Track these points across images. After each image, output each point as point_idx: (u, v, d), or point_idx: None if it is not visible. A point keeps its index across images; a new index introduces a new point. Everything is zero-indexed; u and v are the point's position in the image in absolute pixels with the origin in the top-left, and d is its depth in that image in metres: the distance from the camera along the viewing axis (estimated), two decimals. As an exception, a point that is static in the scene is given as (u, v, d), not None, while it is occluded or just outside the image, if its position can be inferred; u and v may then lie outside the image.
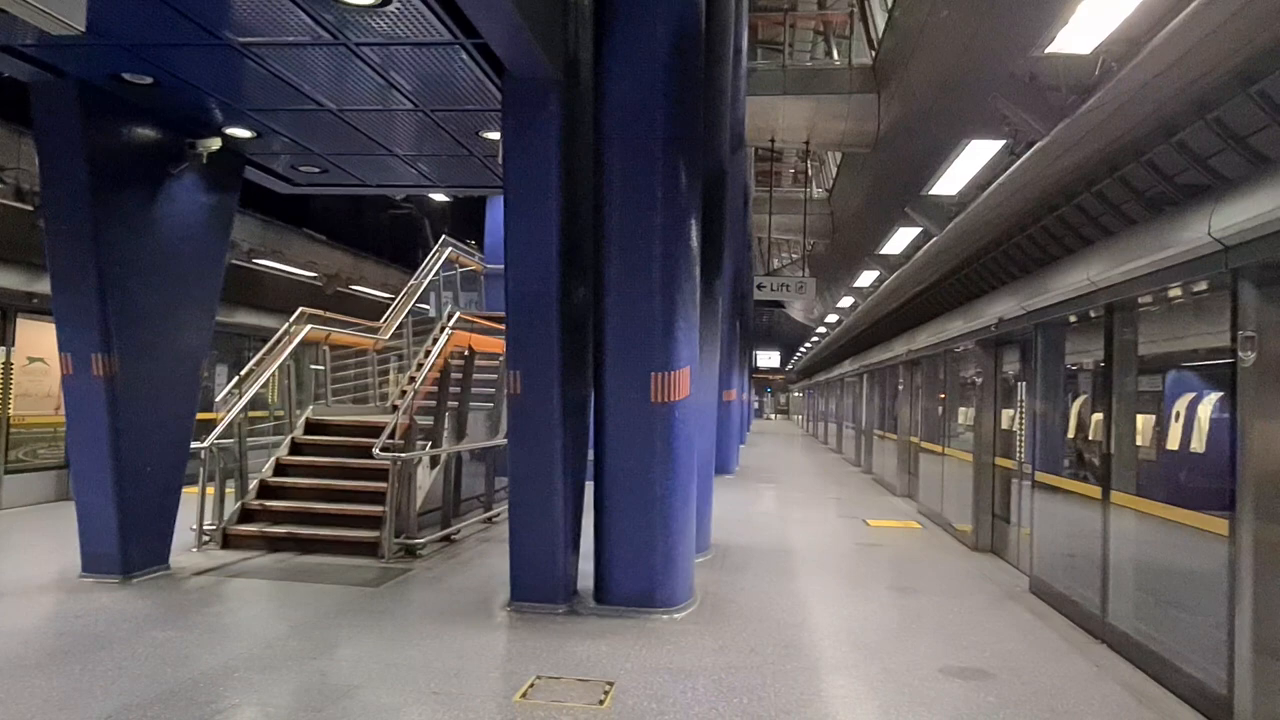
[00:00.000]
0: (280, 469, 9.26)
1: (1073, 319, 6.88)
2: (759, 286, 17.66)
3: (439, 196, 19.46)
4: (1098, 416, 6.41)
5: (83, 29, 3.82)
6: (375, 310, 16.09)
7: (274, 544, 8.33)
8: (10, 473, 10.73)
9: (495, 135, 7.40)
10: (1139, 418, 5.98)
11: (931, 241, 10.38)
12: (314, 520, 8.52)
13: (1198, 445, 5.27)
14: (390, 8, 5.12)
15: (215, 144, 7.36)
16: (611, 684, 4.79)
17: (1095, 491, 6.03)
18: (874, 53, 13.27)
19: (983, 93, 6.16)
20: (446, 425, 9.69)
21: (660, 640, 5.67)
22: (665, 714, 4.40)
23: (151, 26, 5.48)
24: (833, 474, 19.37)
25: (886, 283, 14.47)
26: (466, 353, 10.44)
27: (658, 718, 4.35)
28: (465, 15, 5.12)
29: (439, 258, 14.93)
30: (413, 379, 10.83)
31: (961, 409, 10.91)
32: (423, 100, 6.81)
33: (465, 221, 23.11)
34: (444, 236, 15.96)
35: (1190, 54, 4.10)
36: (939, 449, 11.43)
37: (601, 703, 4.52)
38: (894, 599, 7.15)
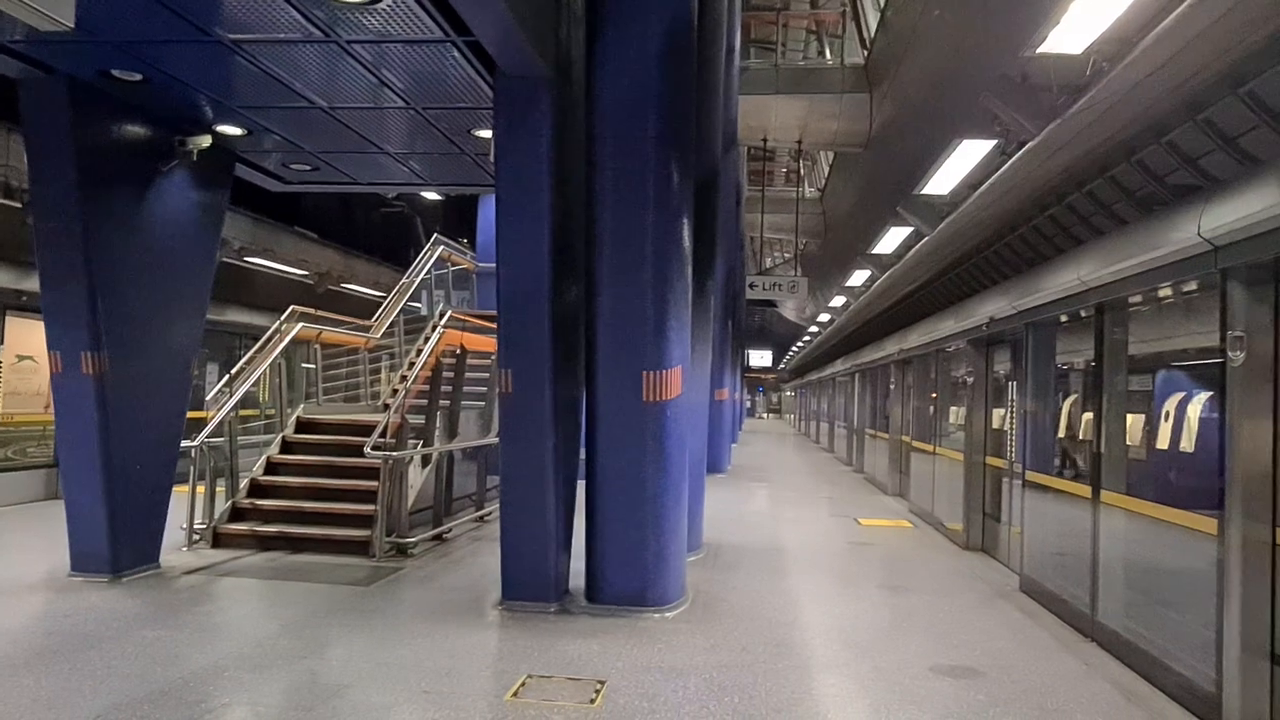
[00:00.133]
0: (271, 468, 9.23)
1: (1063, 319, 6.91)
2: (751, 285, 17.68)
3: (431, 195, 19.41)
4: (1088, 416, 6.43)
5: (71, 25, 3.79)
6: (367, 309, 16.03)
7: (265, 543, 8.31)
8: (-1, 471, 10.68)
9: (487, 133, 7.38)
10: (1129, 417, 6.01)
11: (923, 241, 10.39)
12: (305, 519, 8.50)
13: (1187, 445, 5.29)
14: (381, 5, 5.10)
15: (206, 141, 7.32)
16: (603, 683, 4.79)
17: (1085, 491, 6.06)
18: (866, 52, 13.28)
19: (974, 92, 6.17)
20: (438, 424, 9.66)
21: (652, 639, 5.67)
22: (656, 713, 4.40)
23: (141, 23, 5.45)
24: (824, 473, 19.41)
25: (878, 282, 14.49)
26: (458, 351, 10.42)
27: (649, 716, 4.35)
28: (457, 13, 5.10)
29: (431, 256, 14.91)
30: (404, 377, 10.82)
31: (953, 408, 10.94)
32: (414, 98, 6.79)
33: (457, 220, 23.09)
34: (436, 235, 15.92)
35: (1181, 55, 4.11)
36: (930, 448, 11.47)
37: (593, 701, 4.52)
38: (885, 598, 7.17)
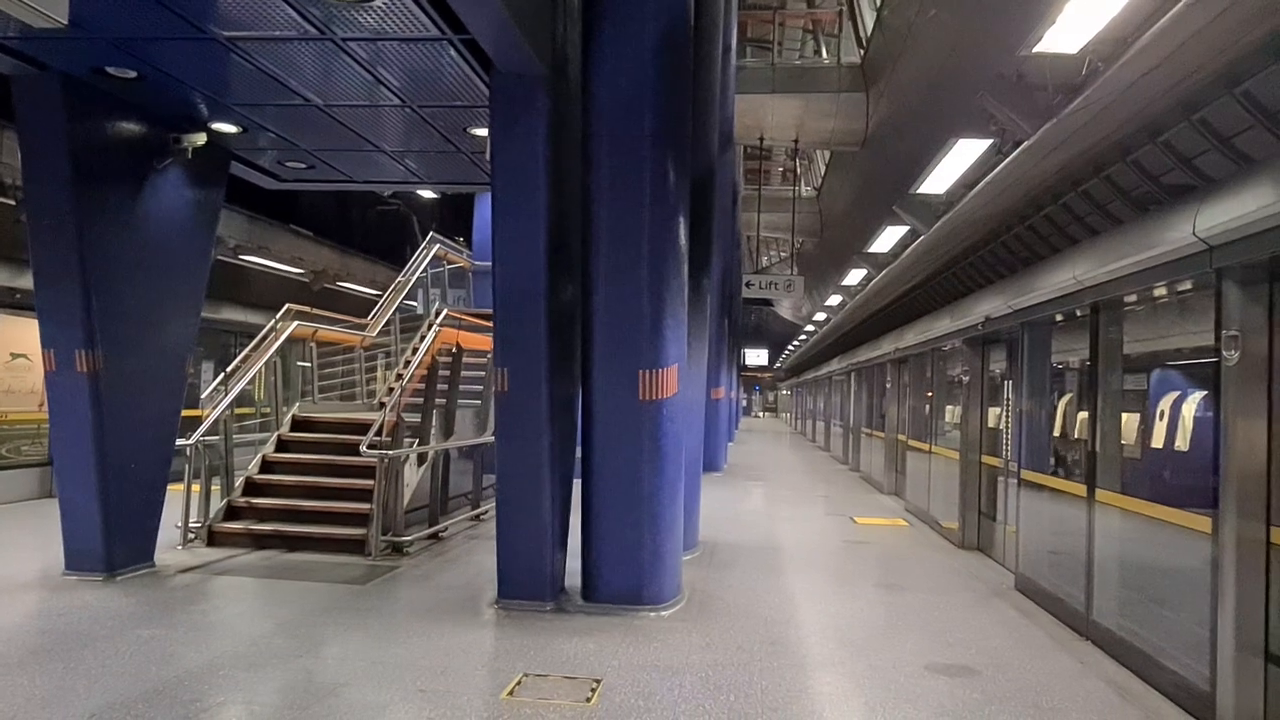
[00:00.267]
0: (266, 466, 9.21)
1: (1059, 318, 6.92)
2: (747, 284, 17.68)
3: (427, 193, 19.39)
4: (1083, 415, 6.44)
5: (65, 22, 3.78)
6: (362, 307, 16.03)
7: (260, 541, 8.29)
8: (-7, 469, 10.65)
9: (483, 132, 7.36)
10: (1124, 416, 6.02)
11: (919, 240, 10.41)
12: (300, 518, 8.48)
13: (1182, 444, 5.31)
14: (377, 3, 5.08)
15: (200, 139, 7.30)
16: (599, 681, 4.79)
17: (1080, 489, 6.07)
18: (863, 51, 13.30)
19: (970, 92, 6.17)
20: (434, 423, 9.66)
21: (648, 638, 5.67)
22: (652, 711, 4.40)
23: (136, 20, 5.43)
24: (820, 472, 19.43)
25: (874, 281, 14.51)
26: (454, 350, 10.41)
27: (645, 715, 4.35)
28: (453, 11, 5.09)
29: (427, 254, 14.89)
30: (400, 376, 10.80)
31: (948, 407, 10.96)
32: (410, 96, 6.77)
33: (453, 218, 23.08)
34: (432, 233, 15.91)
35: (1176, 54, 4.12)
36: (926, 447, 11.48)
37: (589, 700, 4.52)
38: (881, 596, 7.18)
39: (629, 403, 6.21)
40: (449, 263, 15.98)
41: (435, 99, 6.84)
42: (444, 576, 7.38)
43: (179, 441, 7.82)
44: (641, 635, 5.72)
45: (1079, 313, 6.31)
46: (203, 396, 10.85)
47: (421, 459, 9.22)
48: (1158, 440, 5.64)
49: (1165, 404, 5.60)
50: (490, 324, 6.48)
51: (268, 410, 10.10)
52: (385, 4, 5.10)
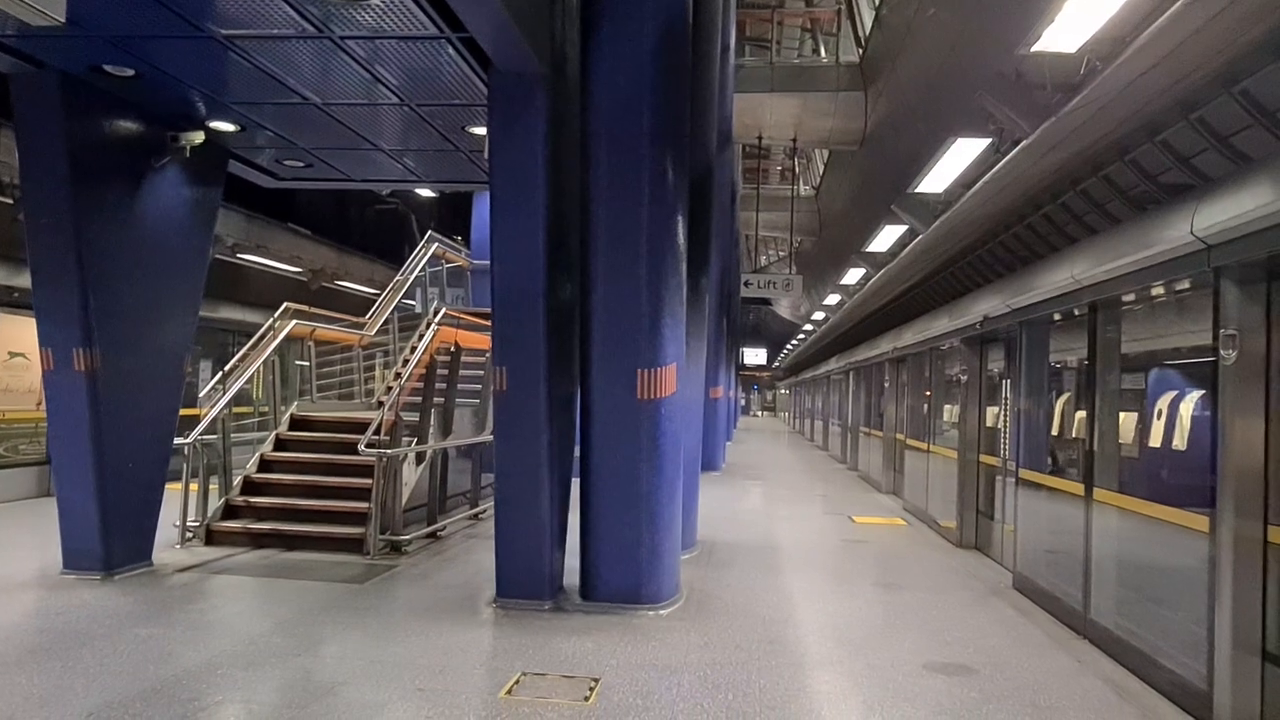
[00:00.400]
0: (264, 465, 9.20)
1: (1057, 317, 6.92)
2: (746, 283, 17.67)
3: (425, 192, 19.38)
4: (1081, 414, 6.45)
5: (63, 20, 3.78)
6: (361, 306, 16.01)
7: (258, 540, 8.28)
8: (-9, 468, 10.64)
9: (481, 130, 7.35)
10: (1122, 415, 6.02)
11: (917, 239, 10.41)
12: (299, 517, 8.48)
13: (1179, 443, 5.31)
14: (375, 1, 5.08)
15: (198, 137, 7.29)
16: (597, 680, 4.79)
17: (1078, 488, 6.07)
18: (861, 50, 13.29)
19: (969, 91, 6.18)
20: (432, 422, 9.65)
21: (646, 637, 5.67)
22: (650, 710, 4.41)
23: (133, 18, 5.42)
24: (819, 471, 19.43)
25: (873, 280, 14.52)
26: (452, 349, 10.41)
27: (643, 714, 4.35)
28: (451, 9, 5.08)
29: (425, 253, 14.89)
30: (398, 375, 10.79)
31: (947, 406, 10.96)
32: (408, 95, 6.77)
33: (452, 217, 23.08)
34: (430, 232, 15.91)
35: (1174, 54, 4.12)
36: (924, 446, 11.49)
37: (587, 699, 4.52)
38: (879, 595, 7.18)
39: (627, 402, 6.22)
40: (447, 261, 15.98)
41: (434, 97, 6.83)
42: (442, 575, 7.38)
43: (177, 440, 7.81)
44: (640, 634, 5.72)
45: (1077, 312, 6.31)
46: (201, 395, 10.84)
47: (420, 458, 9.22)
48: (1155, 439, 5.64)
49: (1163, 403, 5.61)
50: (489, 323, 6.47)
51: (266, 409, 10.08)
52: (383, 2, 5.09)
